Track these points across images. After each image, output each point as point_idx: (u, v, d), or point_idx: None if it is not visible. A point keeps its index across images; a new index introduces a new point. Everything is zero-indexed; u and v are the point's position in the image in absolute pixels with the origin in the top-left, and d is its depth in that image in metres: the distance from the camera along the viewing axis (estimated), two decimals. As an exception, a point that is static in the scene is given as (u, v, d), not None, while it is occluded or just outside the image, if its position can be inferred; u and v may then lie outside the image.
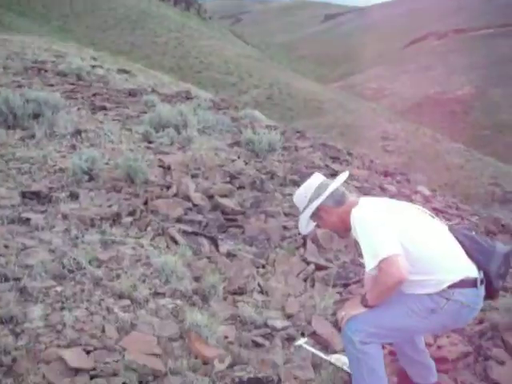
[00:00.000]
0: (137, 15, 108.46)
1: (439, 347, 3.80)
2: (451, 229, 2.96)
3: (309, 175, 3.22)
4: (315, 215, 3.01)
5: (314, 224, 3.17)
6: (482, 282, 2.78)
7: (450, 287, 2.72)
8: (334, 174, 8.38)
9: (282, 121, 26.72)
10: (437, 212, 8.02)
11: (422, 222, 2.91)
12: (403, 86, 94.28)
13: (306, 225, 3.10)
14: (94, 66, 15.98)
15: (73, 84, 12.17)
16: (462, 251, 2.84)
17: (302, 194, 3.05)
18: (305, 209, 3.01)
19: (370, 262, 2.70)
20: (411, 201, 8.48)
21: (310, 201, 2.97)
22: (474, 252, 2.84)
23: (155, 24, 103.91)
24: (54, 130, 7.32)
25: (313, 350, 3.46)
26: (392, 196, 8.46)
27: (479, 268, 2.80)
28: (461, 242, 2.87)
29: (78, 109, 9.27)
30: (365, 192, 8.23)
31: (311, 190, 3.00)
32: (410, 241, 2.74)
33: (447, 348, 3.78)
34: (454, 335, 3.95)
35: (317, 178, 3.06)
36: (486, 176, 41.35)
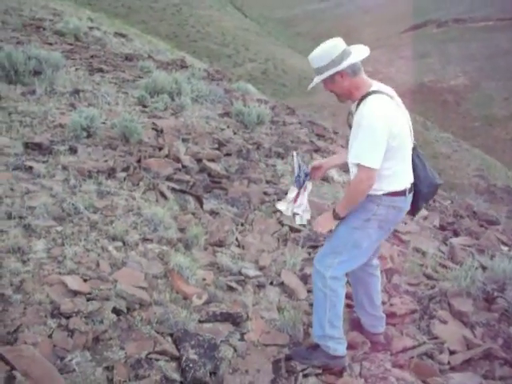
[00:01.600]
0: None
1: (391, 305, 4.32)
2: (414, 148, 3.37)
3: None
4: (330, 77, 3.14)
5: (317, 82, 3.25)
6: (410, 191, 3.31)
7: (384, 195, 3.23)
8: (317, 150, 8.84)
9: (275, 97, 27.03)
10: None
11: (406, 138, 3.28)
12: (398, 72, 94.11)
13: (312, 85, 3.25)
14: (91, 28, 16.12)
15: (71, 44, 12.40)
16: (411, 168, 3.33)
17: (325, 53, 3.12)
18: (325, 68, 3.11)
19: (355, 156, 3.09)
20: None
21: (334, 62, 3.09)
22: (417, 172, 3.35)
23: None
24: (53, 87, 7.67)
25: (300, 162, 3.66)
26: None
27: (414, 184, 3.34)
28: (413, 162, 3.34)
29: (76, 69, 9.57)
30: (345, 169, 8.69)
31: (336, 52, 3.10)
32: (391, 151, 3.14)
33: (398, 306, 4.30)
34: (406, 296, 4.47)
35: (341, 43, 3.16)
36: (472, 168, 41.88)
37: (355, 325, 3.90)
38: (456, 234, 6.51)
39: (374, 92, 3.14)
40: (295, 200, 3.60)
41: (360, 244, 3.32)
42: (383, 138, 3.03)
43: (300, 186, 3.59)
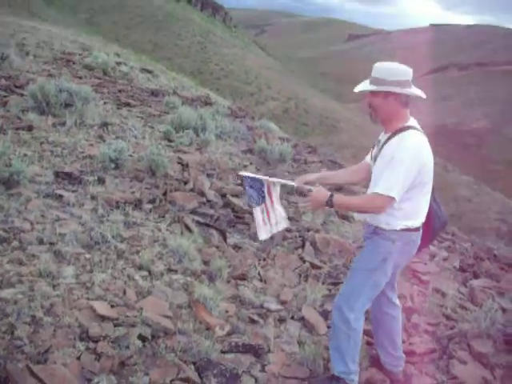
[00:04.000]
0: (162, 16, 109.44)
1: (411, 343, 4.35)
2: (432, 190, 3.44)
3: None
4: (386, 93, 3.15)
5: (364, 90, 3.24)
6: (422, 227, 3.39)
7: (402, 230, 3.29)
8: (339, 189, 8.94)
9: (296, 135, 27.25)
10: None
11: (431, 175, 3.35)
12: (419, 114, 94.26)
13: (362, 88, 3.24)
14: (118, 63, 16.52)
15: (99, 78, 12.72)
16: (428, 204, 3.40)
17: (396, 71, 3.15)
18: (388, 83, 3.11)
19: (377, 186, 3.12)
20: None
21: (398, 83, 3.11)
22: (434, 208, 3.45)
23: (180, 26, 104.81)
24: (83, 119, 7.90)
25: (249, 180, 3.61)
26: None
27: (427, 220, 3.40)
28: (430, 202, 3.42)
29: (105, 103, 9.84)
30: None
31: (405, 77, 3.14)
32: (418, 187, 3.22)
33: (417, 344, 4.33)
34: (426, 336, 4.50)
35: (411, 73, 3.20)
36: (493, 211, 41.59)
37: (375, 362, 3.93)
38: (476, 276, 6.51)
39: (412, 127, 3.22)
40: (268, 218, 3.59)
41: (380, 284, 3.39)
42: (412, 174, 3.10)
43: (260, 203, 3.56)
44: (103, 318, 3.37)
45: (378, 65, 3.19)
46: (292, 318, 4.29)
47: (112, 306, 3.55)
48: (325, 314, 4.42)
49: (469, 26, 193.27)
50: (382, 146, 3.25)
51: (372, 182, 3.30)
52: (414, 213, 3.28)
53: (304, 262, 5.31)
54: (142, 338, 3.37)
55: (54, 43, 17.07)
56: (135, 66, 17.87)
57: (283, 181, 3.79)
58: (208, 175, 6.84)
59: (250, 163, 8.27)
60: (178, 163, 6.97)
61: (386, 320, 3.71)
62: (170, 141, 8.25)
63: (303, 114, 65.02)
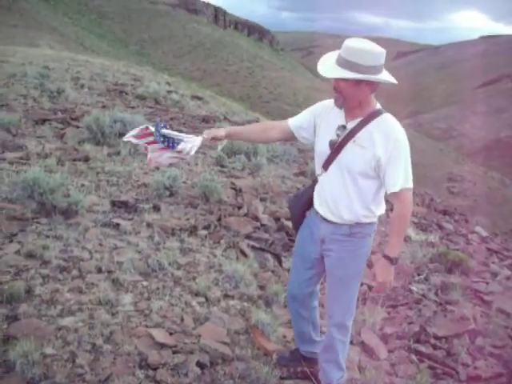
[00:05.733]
0: (210, 43, 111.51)
1: (476, 367, 4.19)
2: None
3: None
4: (357, 81, 2.81)
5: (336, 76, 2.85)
6: None
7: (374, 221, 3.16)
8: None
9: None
10: (492, 252, 8.29)
11: None
12: (473, 128, 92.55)
13: (336, 75, 2.84)
14: (169, 92, 16.88)
15: (151, 107, 13.01)
16: None
17: (373, 55, 2.77)
18: (365, 69, 2.76)
19: (400, 182, 2.85)
20: (467, 240, 8.78)
21: (374, 69, 2.79)
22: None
23: (228, 53, 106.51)
24: (137, 149, 8.06)
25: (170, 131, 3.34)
26: (448, 234, 8.79)
27: None
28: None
29: (158, 131, 10.03)
30: (422, 228, 8.60)
31: (381, 61, 2.81)
32: None
33: (483, 368, 4.17)
34: (491, 359, 4.33)
35: (383, 56, 2.84)
36: (560, 224, 40.09)
37: None
38: (542, 294, 6.25)
39: (383, 110, 2.99)
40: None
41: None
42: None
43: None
44: (162, 346, 3.39)
45: (350, 45, 2.78)
46: (351, 342, 4.19)
47: (170, 334, 3.57)
48: (385, 338, 4.32)
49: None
50: (353, 131, 2.95)
51: (351, 172, 2.97)
52: (383, 199, 3.13)
53: (361, 284, 5.21)
54: (200, 364, 3.36)
55: (107, 75, 17.60)
56: (185, 94, 18.21)
57: (184, 134, 3.40)
58: (261, 199, 6.85)
59: (303, 186, 8.24)
60: (232, 188, 7.01)
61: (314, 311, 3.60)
62: (222, 166, 8.32)
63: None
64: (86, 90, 13.57)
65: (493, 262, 7.34)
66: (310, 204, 3.27)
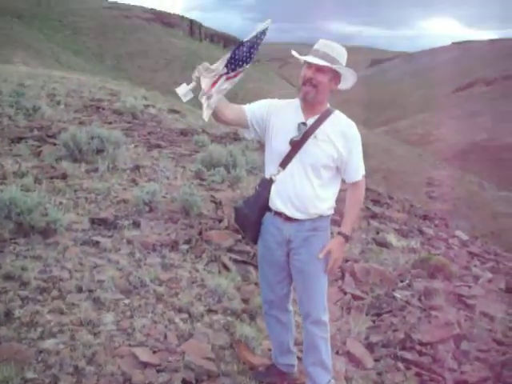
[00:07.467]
0: (187, 56, 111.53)
1: (462, 372, 4.19)
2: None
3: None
4: (333, 75, 3.05)
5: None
6: None
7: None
8: (373, 216, 8.83)
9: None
10: (473, 255, 8.34)
11: None
12: (449, 132, 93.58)
13: (321, 61, 2.97)
14: (146, 106, 16.81)
15: (129, 122, 12.94)
16: None
17: (344, 55, 3.07)
18: (342, 66, 3.03)
19: (360, 172, 3.20)
20: (448, 244, 8.83)
21: (346, 66, 3.05)
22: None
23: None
24: (115, 164, 8.00)
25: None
26: (429, 239, 8.83)
27: None
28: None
29: (135, 146, 9.98)
30: (403, 234, 8.63)
31: (343, 60, 3.05)
32: None
33: (469, 373, 4.17)
34: (477, 363, 4.33)
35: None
36: (537, 225, 40.46)
37: None
38: (524, 296, 6.30)
39: (333, 108, 3.21)
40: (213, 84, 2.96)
41: None
42: None
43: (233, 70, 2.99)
44: (146, 365, 3.33)
45: (329, 43, 3.04)
46: (337, 352, 4.17)
47: (154, 352, 3.52)
48: (370, 347, 4.31)
49: (492, 41, 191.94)
50: (312, 128, 3.09)
51: (314, 166, 3.09)
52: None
53: (345, 293, 5.21)
54: (185, 382, 3.32)
55: (83, 91, 17.51)
56: (163, 108, 18.17)
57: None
58: (242, 211, 6.81)
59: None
60: (212, 201, 6.97)
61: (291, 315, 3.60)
62: (201, 179, 8.29)
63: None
64: (63, 106, 13.46)
65: (474, 266, 7.39)
66: (266, 207, 3.25)
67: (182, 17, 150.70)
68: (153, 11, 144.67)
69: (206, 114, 2.95)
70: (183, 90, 2.99)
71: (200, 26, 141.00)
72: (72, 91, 16.71)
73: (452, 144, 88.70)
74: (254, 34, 2.96)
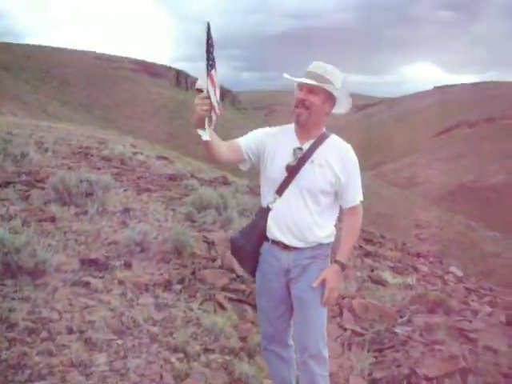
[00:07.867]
0: (174, 105, 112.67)
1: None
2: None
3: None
4: (331, 97, 3.02)
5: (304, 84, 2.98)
6: None
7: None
8: (367, 255, 8.74)
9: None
10: (469, 291, 8.25)
11: None
12: (436, 174, 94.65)
13: (316, 84, 2.93)
14: (134, 153, 16.84)
15: (117, 168, 12.88)
16: None
17: (338, 75, 3.03)
18: (338, 89, 3.00)
19: (358, 197, 3.09)
20: (444, 280, 8.75)
21: (341, 89, 3.02)
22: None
23: (192, 114, 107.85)
24: (104, 207, 7.88)
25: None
26: (425, 276, 8.74)
27: None
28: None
29: (125, 190, 9.87)
30: (398, 271, 8.53)
31: (341, 83, 3.04)
32: None
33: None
34: None
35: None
36: (526, 264, 40.56)
37: None
38: (525, 329, 6.17)
39: (329, 132, 3.15)
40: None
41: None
42: None
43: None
44: (141, 406, 3.16)
45: (323, 64, 3.00)
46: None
47: (149, 393, 3.35)
48: (374, 383, 4.14)
49: (474, 85, 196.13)
50: (309, 152, 3.03)
51: (312, 192, 3.01)
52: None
53: (345, 329, 5.07)
54: (183, 424, 3.14)
55: (72, 139, 17.51)
56: (151, 155, 18.22)
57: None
58: (235, 250, 6.69)
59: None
60: (204, 241, 6.84)
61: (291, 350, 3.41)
62: (192, 221, 8.17)
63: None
64: (51, 153, 13.37)
65: (472, 300, 7.28)
66: (263, 237, 3.14)
67: (169, 67, 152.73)
68: (140, 62, 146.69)
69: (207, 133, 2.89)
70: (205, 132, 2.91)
71: (186, 76, 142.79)
72: (60, 139, 16.67)
73: (439, 186, 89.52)
74: (205, 37, 2.78)
